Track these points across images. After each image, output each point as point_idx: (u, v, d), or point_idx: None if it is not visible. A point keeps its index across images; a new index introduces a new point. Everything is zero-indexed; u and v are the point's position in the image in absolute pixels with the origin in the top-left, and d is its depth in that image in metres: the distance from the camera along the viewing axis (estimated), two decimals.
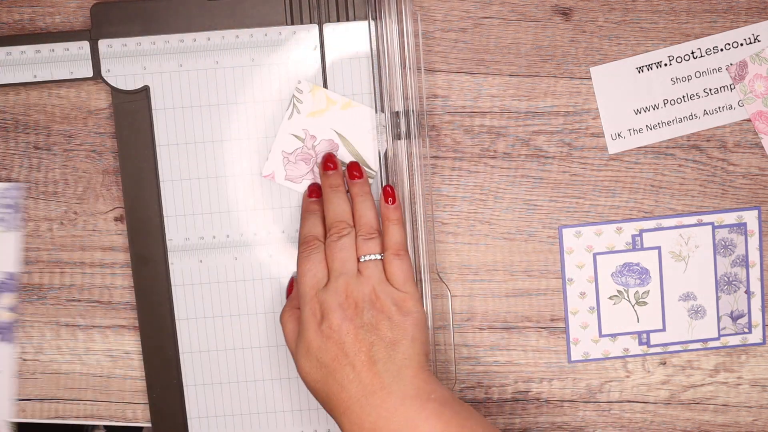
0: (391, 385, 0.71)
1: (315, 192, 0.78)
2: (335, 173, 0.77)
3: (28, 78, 0.77)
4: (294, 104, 0.78)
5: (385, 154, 0.78)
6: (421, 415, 0.70)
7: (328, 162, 0.77)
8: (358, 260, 0.74)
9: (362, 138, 0.79)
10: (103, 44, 0.77)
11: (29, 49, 0.77)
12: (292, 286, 0.79)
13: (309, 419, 0.81)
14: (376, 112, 0.78)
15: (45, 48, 0.77)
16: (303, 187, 0.79)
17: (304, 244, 0.76)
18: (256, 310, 0.80)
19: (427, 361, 0.74)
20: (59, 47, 0.77)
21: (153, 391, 0.81)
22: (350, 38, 0.78)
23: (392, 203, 0.76)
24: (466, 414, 0.71)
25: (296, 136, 0.78)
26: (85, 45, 0.77)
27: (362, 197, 0.77)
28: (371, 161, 0.78)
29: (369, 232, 0.75)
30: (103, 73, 0.78)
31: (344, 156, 0.79)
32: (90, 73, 0.78)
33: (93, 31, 0.77)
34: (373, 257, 0.75)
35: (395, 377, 0.71)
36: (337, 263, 0.74)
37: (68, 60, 0.77)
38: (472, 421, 0.71)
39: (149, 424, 0.82)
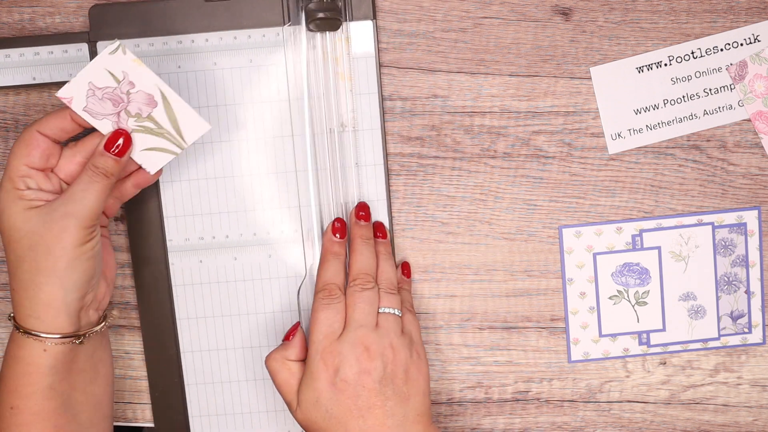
0: None
1: (341, 232, 0.77)
2: (367, 225, 0.78)
3: (27, 80, 0.77)
4: (122, 42, 0.73)
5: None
6: None
7: (361, 211, 0.78)
8: (377, 313, 0.75)
9: (186, 107, 0.73)
10: (101, 46, 0.77)
11: (28, 52, 0.77)
12: (293, 333, 0.76)
13: None
14: (379, 110, 0.78)
15: (43, 50, 0.77)
16: (103, 126, 0.72)
17: (324, 290, 0.75)
18: (255, 309, 0.80)
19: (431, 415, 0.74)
20: (58, 49, 0.77)
21: (155, 389, 0.81)
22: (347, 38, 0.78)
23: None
24: None
25: (112, 75, 0.71)
26: (84, 47, 0.77)
27: (386, 255, 0.78)
28: (187, 133, 0.73)
29: (390, 288, 0.76)
30: None
31: (161, 119, 0.72)
32: None
33: (91, 33, 0.77)
34: (392, 311, 0.75)
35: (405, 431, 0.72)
36: (358, 314, 0.73)
37: (67, 62, 0.77)
38: None
39: (151, 424, 0.82)
